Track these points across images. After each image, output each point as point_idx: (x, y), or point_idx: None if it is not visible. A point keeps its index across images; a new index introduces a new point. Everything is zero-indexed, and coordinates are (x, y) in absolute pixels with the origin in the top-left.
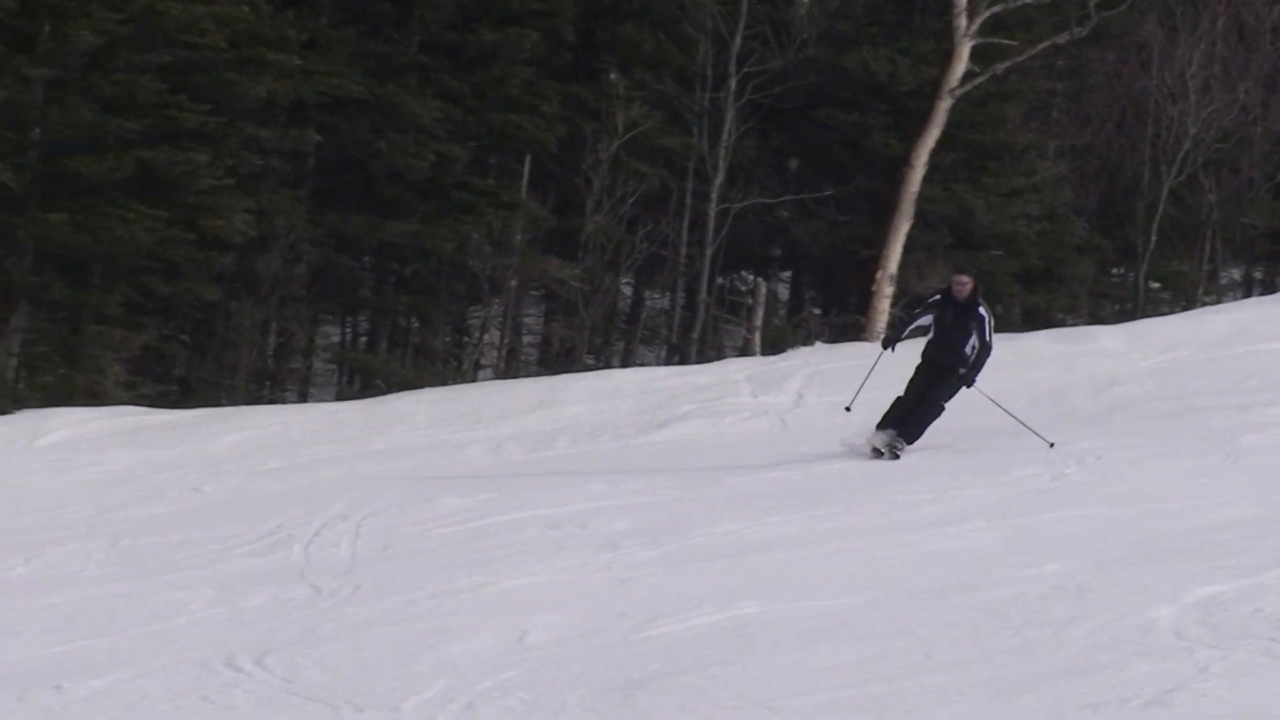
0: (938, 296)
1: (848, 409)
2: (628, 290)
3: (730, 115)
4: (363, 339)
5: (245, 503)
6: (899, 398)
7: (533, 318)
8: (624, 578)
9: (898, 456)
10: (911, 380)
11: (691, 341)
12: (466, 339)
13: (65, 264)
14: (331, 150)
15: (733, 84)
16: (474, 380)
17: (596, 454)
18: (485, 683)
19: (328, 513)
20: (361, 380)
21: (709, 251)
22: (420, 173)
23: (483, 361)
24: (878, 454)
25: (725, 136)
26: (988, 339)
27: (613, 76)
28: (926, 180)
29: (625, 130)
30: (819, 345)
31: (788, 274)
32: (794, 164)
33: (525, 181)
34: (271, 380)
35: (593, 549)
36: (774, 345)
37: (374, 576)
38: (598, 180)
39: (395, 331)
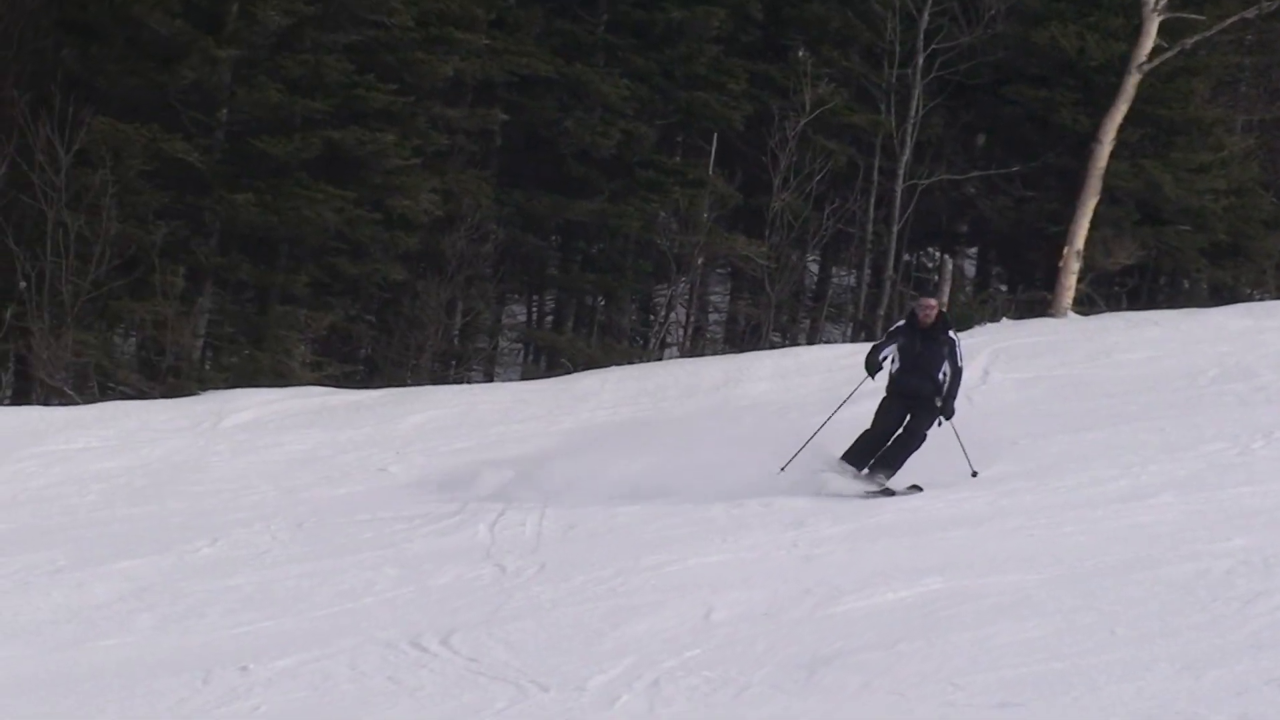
0: (901, 323)
1: (782, 470)
2: (814, 267)
3: (918, 92)
4: (549, 318)
5: (431, 483)
6: (865, 432)
7: (719, 295)
8: (808, 555)
9: (877, 492)
10: (879, 414)
11: (878, 318)
12: (652, 317)
13: (252, 244)
14: (518, 129)
15: (920, 60)
16: (660, 359)
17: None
18: (670, 661)
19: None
20: (547, 359)
21: (896, 228)
22: (607, 151)
23: (669, 340)
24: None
25: (913, 113)
26: (959, 364)
27: (800, 54)
28: (1114, 156)
29: (812, 107)
30: (1005, 321)
31: (974, 250)
32: (981, 140)
33: (712, 159)
34: (457, 360)
35: (777, 526)
36: (961, 321)
37: (558, 555)
38: (785, 158)
39: (581, 310)
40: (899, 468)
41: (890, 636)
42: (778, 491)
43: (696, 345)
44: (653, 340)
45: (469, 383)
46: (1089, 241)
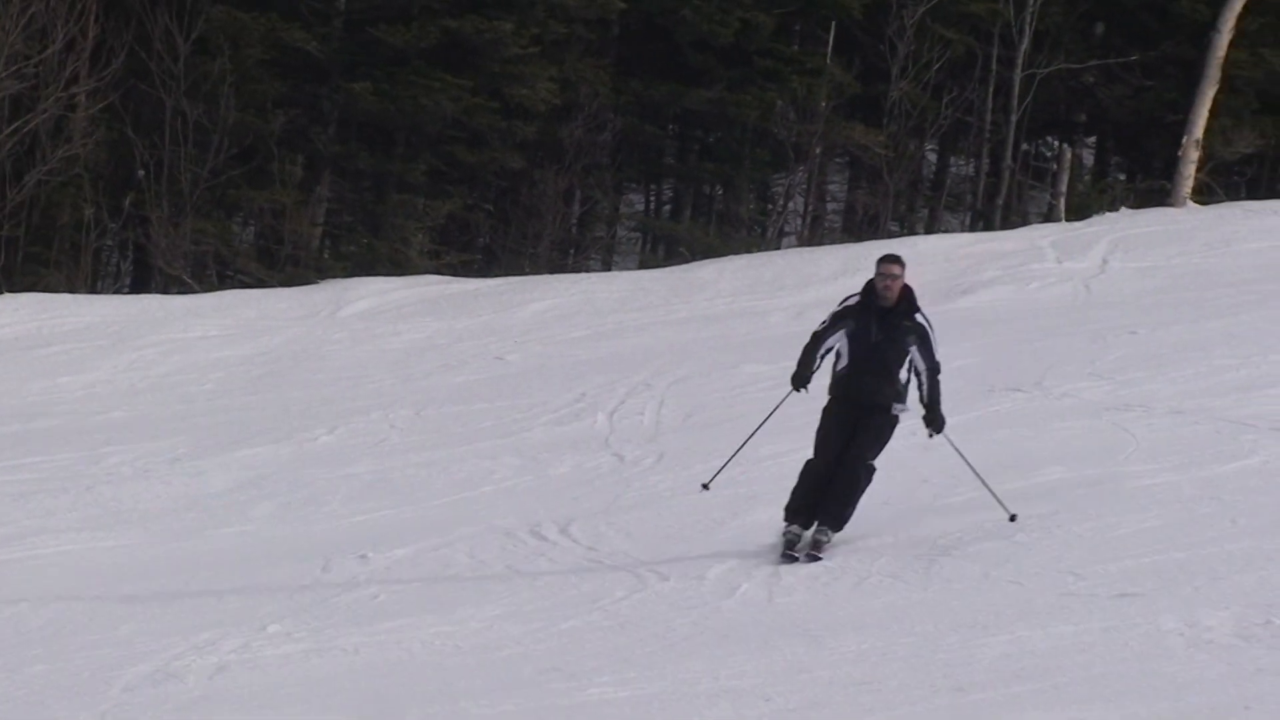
0: (852, 301)
1: (705, 487)
2: (932, 156)
3: None
4: (666, 207)
5: (549, 371)
6: (809, 462)
7: (837, 185)
8: (927, 445)
9: (818, 558)
10: (823, 429)
11: (996, 207)
12: (770, 206)
13: (370, 133)
14: (636, 17)
15: None
16: (777, 248)
17: None
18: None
19: (631, 381)
20: (665, 248)
21: (1014, 117)
22: (725, 39)
23: (786, 229)
24: (791, 559)
25: (1031, 1)
26: (935, 359)
27: None
28: (1233, 45)
29: None
30: (1124, 211)
31: (1093, 139)
32: (1100, 29)
33: (830, 48)
34: (575, 248)
35: None
36: (1079, 211)
37: (677, 445)
38: (903, 46)
39: (699, 199)
40: (848, 518)
41: (1009, 527)
42: None
43: (814, 234)
44: (770, 229)
45: (587, 271)
46: (1208, 130)
